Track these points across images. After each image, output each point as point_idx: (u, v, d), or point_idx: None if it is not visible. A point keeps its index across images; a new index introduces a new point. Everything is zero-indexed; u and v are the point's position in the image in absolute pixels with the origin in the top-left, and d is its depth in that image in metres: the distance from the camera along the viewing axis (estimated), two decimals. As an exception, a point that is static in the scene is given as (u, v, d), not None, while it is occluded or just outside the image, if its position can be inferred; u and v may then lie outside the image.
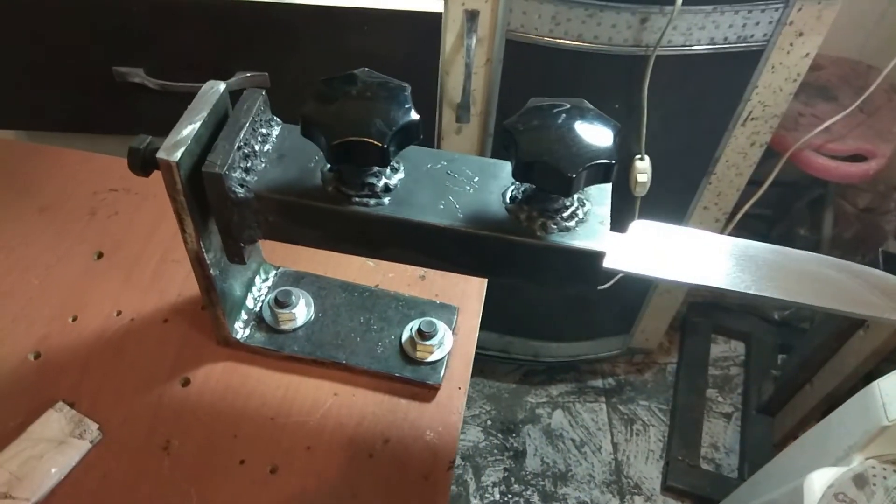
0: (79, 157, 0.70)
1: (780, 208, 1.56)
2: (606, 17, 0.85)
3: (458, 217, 0.43)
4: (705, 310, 1.59)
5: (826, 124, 1.14)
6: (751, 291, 0.40)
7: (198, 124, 0.44)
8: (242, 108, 0.46)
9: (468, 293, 0.62)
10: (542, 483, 1.36)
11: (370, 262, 0.64)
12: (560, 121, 0.41)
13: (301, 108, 0.41)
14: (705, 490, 1.34)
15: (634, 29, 0.86)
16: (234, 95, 0.46)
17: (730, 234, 0.75)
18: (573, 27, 0.86)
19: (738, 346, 1.58)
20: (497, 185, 0.45)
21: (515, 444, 1.40)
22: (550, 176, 0.39)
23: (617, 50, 0.88)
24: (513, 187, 0.44)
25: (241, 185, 0.44)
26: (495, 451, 1.39)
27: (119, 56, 0.80)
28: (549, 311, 1.36)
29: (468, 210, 0.43)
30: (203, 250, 0.48)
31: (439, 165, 0.46)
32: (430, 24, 0.78)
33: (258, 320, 0.57)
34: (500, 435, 1.42)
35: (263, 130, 0.47)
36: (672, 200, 1.13)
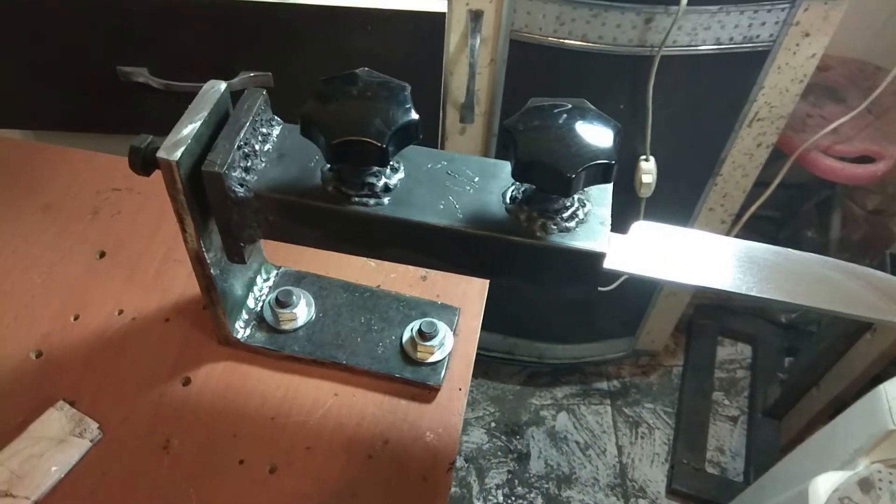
0: (82, 156, 0.70)
1: (788, 210, 1.55)
2: (611, 17, 0.84)
3: (458, 217, 0.43)
4: (712, 312, 1.58)
5: (833, 125, 1.14)
6: (752, 293, 0.40)
7: (198, 124, 0.44)
8: (243, 108, 0.46)
9: (470, 294, 0.62)
10: (546, 486, 1.35)
11: (372, 263, 0.64)
12: (560, 121, 0.40)
13: (301, 108, 0.41)
14: (710, 494, 1.34)
15: (639, 29, 0.85)
16: (237, 95, 0.46)
17: (737, 236, 0.75)
18: (577, 27, 0.86)
19: (744, 348, 1.57)
20: (497, 185, 0.44)
21: (519, 447, 1.40)
22: (549, 176, 0.38)
23: (621, 50, 0.88)
24: (513, 188, 0.44)
25: (241, 185, 0.44)
26: (499, 453, 1.39)
27: (123, 56, 0.80)
28: (554, 312, 1.36)
29: (468, 210, 0.43)
30: (203, 250, 0.48)
31: (439, 165, 0.46)
32: (433, 24, 0.77)
33: (259, 320, 0.57)
34: (503, 437, 1.41)
35: (264, 130, 0.47)
36: (677, 202, 1.13)
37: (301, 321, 0.57)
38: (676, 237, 0.43)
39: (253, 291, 0.58)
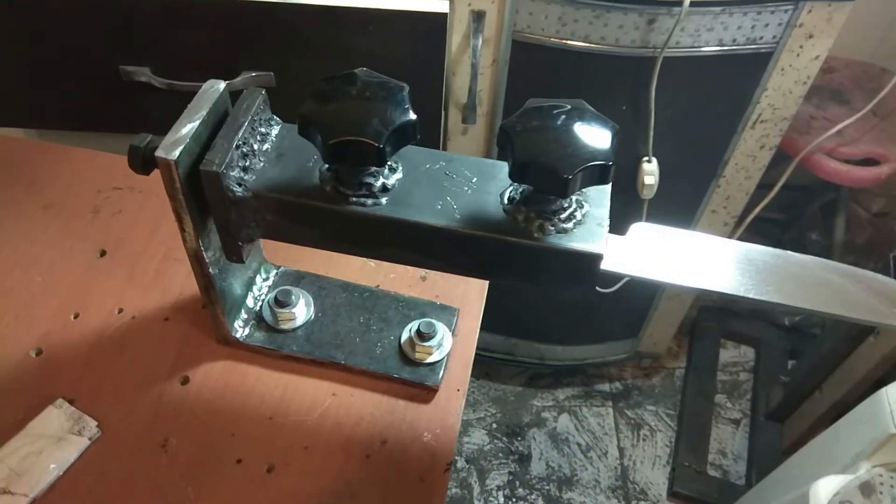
0: (83, 154, 0.70)
1: (792, 212, 1.54)
2: (613, 17, 0.84)
3: (456, 217, 0.43)
4: (715, 314, 1.58)
5: (838, 127, 1.13)
6: (750, 295, 0.40)
7: (197, 123, 0.44)
8: (242, 107, 0.46)
9: (469, 295, 0.61)
10: (547, 487, 1.35)
11: (371, 263, 0.63)
12: (558, 122, 0.40)
13: (299, 108, 0.41)
14: (712, 496, 1.33)
15: (642, 30, 0.85)
16: (237, 95, 0.46)
17: (740, 238, 0.74)
18: (580, 28, 0.86)
19: (747, 351, 1.57)
20: (495, 185, 0.44)
21: (520, 448, 1.40)
22: (546, 177, 0.38)
23: (624, 51, 0.87)
24: (511, 188, 0.44)
25: (239, 184, 0.44)
26: (500, 455, 1.39)
27: (125, 55, 0.81)
28: (556, 313, 1.36)
29: (465, 211, 0.43)
30: (202, 249, 0.48)
31: (438, 166, 0.46)
32: (435, 24, 0.77)
33: (258, 319, 0.58)
34: (505, 438, 1.41)
35: (262, 129, 0.47)
36: (680, 203, 1.13)
37: (300, 321, 0.57)
38: (675, 239, 0.43)
39: (252, 291, 0.58)
